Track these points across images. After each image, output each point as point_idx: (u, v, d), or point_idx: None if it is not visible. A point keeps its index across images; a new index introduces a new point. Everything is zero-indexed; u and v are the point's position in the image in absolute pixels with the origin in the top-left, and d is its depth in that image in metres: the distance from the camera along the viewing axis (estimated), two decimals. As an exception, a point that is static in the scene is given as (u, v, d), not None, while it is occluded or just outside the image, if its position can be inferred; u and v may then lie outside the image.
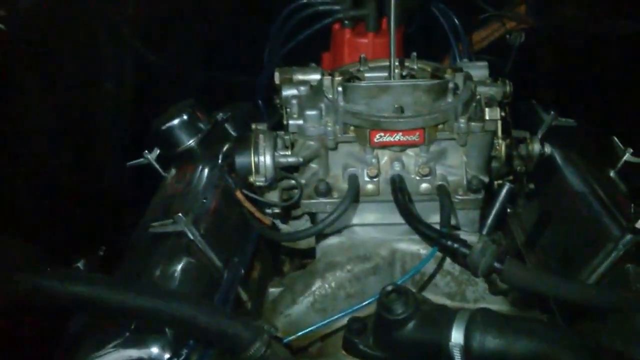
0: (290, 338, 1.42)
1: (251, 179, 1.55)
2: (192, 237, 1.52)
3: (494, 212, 1.37)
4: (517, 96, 1.69)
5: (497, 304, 1.59)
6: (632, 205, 1.55)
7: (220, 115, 2.05)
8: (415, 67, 1.69)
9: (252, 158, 1.55)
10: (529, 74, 2.51)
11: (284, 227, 1.74)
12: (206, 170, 1.87)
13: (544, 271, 1.64)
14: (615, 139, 1.84)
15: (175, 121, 1.94)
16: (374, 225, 1.65)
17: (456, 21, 2.41)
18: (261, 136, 1.57)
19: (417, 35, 2.50)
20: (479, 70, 1.71)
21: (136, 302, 1.14)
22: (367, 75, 1.68)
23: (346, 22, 2.27)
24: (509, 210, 1.96)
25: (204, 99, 2.08)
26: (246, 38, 2.74)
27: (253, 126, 1.64)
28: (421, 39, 2.51)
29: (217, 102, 2.22)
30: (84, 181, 2.03)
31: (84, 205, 1.99)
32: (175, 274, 1.47)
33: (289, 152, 1.58)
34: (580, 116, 1.99)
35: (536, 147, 1.75)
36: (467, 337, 1.20)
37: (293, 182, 1.60)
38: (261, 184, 1.55)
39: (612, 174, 1.83)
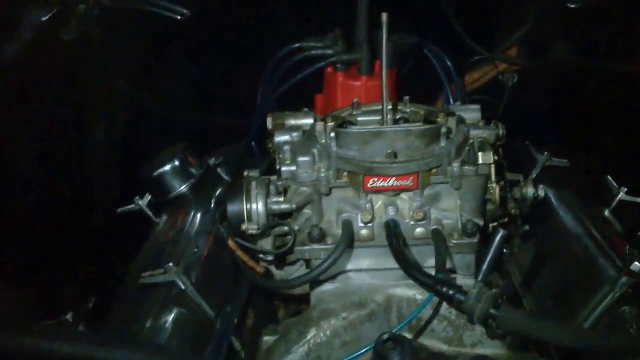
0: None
1: (244, 227, 1.54)
2: (183, 287, 1.51)
3: (488, 258, 1.35)
4: (510, 137, 1.69)
5: (495, 349, 1.57)
6: (627, 247, 1.54)
7: (212, 160, 2.04)
8: (408, 110, 1.69)
9: (245, 206, 1.54)
10: (522, 114, 2.52)
11: (278, 273, 1.72)
12: (198, 217, 1.86)
13: (540, 317, 1.63)
14: (610, 178, 1.84)
15: (167, 167, 1.93)
16: (369, 270, 1.63)
17: (449, 63, 2.42)
18: (253, 183, 1.56)
19: (410, 77, 2.51)
20: (471, 114, 1.70)
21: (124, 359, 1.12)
22: (360, 119, 1.67)
23: (339, 65, 2.27)
24: (505, 250, 1.95)
25: (196, 143, 2.08)
26: (239, 80, 2.74)
27: (245, 173, 1.62)
28: (415, 80, 2.51)
29: (209, 146, 2.21)
30: (73, 230, 2.01)
31: (74, 255, 1.97)
32: (167, 326, 1.46)
33: (282, 199, 1.57)
34: (574, 156, 1.99)
35: (530, 190, 1.74)
36: (465, 386, 1.18)
37: (286, 228, 1.58)
38: (254, 232, 1.54)
39: (607, 213, 1.83)
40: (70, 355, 1.08)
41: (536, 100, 2.67)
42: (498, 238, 1.34)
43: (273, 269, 1.71)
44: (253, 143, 2.53)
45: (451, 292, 1.35)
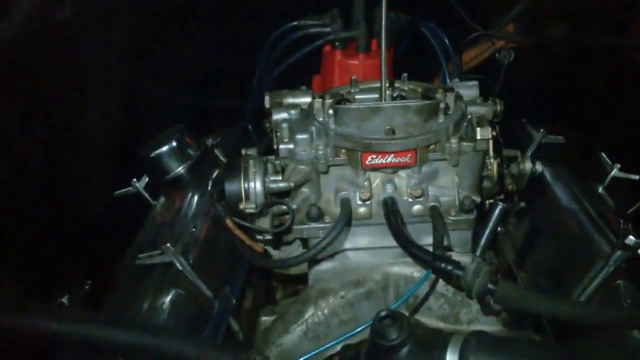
0: (284, 368, 1.39)
1: (241, 206, 1.53)
2: (180, 268, 1.50)
3: (487, 232, 1.35)
4: (507, 114, 1.68)
5: (490, 325, 1.58)
6: (622, 221, 1.54)
7: (209, 141, 2.03)
8: (406, 88, 1.68)
9: (242, 184, 1.53)
10: (519, 91, 2.51)
11: (275, 253, 1.72)
12: (196, 198, 1.84)
13: (537, 291, 1.63)
14: (604, 155, 1.83)
15: (164, 148, 1.91)
16: (366, 249, 1.63)
17: (446, 41, 2.40)
18: (251, 162, 1.55)
19: (407, 55, 2.50)
20: (469, 90, 1.70)
21: (123, 337, 1.12)
22: (357, 97, 1.66)
23: (337, 43, 2.26)
24: (500, 229, 1.94)
25: (194, 125, 2.06)
26: (236, 62, 2.73)
27: (243, 152, 1.62)
28: (411, 59, 2.50)
29: (206, 128, 2.20)
30: (69, 213, 2.00)
31: (70, 238, 1.95)
32: (164, 307, 1.44)
33: (279, 177, 1.56)
34: (569, 132, 1.98)
35: (527, 165, 1.74)
36: (462, 360, 1.18)
37: (284, 207, 1.58)
38: (252, 210, 1.53)
39: (600, 189, 1.82)
40: (68, 334, 1.08)
41: (532, 77, 2.66)
42: (497, 211, 1.34)
43: (270, 250, 1.71)
44: (250, 126, 2.53)
45: (449, 268, 1.35)
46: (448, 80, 2.31)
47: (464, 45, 2.58)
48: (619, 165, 1.79)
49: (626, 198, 1.86)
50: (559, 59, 2.51)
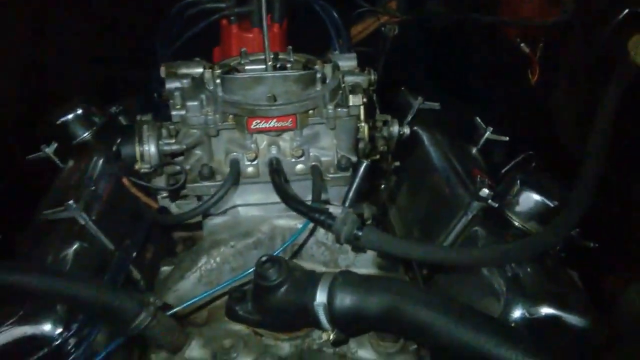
0: (177, 309, 1.55)
1: (137, 166, 1.68)
2: (83, 223, 1.64)
3: (354, 187, 1.55)
4: (392, 84, 1.86)
5: (366, 268, 1.79)
6: (478, 176, 1.76)
7: (113, 109, 2.17)
8: (292, 59, 1.85)
9: (137, 147, 1.68)
10: (403, 63, 2.72)
11: (175, 208, 1.87)
12: (101, 161, 1.98)
13: (397, 237, 1.85)
14: (478, 119, 2.04)
15: (70, 115, 2.05)
16: (256, 205, 1.81)
17: (335, 16, 2.56)
18: (145, 126, 1.70)
19: (306, 30, 2.65)
20: (348, 62, 1.89)
21: (23, 280, 1.26)
22: (247, 67, 1.83)
23: (232, 18, 2.40)
24: (383, 186, 2.16)
25: (103, 95, 2.18)
26: (142, 34, 2.82)
27: (138, 117, 1.76)
28: (311, 34, 2.65)
29: (116, 97, 2.31)
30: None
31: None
32: (68, 257, 1.58)
33: (172, 140, 1.71)
34: (448, 100, 2.19)
35: (395, 128, 1.94)
36: (330, 296, 1.38)
37: (178, 167, 1.73)
38: (146, 170, 1.68)
39: (474, 151, 2.04)
40: None
41: (414, 49, 2.87)
42: (361, 168, 1.54)
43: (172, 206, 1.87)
44: (156, 95, 2.64)
45: (322, 218, 1.55)
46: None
47: (351, 20, 2.76)
48: (492, 129, 2.01)
49: (503, 158, 2.08)
50: (437, 33, 2.72)
